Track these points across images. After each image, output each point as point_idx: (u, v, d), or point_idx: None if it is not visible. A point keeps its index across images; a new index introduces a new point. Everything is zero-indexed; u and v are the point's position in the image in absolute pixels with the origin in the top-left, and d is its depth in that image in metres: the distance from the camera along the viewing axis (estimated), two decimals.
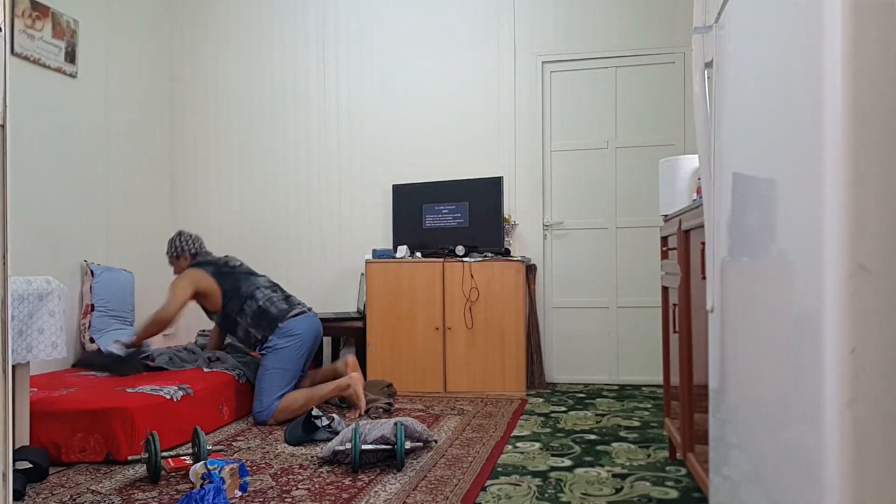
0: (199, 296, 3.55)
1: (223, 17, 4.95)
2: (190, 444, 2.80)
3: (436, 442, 2.93)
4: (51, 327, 2.55)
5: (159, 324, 3.45)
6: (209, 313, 3.68)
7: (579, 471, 2.56)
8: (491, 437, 3.05)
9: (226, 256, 3.72)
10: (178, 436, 2.93)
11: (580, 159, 4.52)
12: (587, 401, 3.91)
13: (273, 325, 3.46)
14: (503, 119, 4.58)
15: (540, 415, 3.55)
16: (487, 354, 4.06)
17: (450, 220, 4.37)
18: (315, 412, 3.06)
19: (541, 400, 3.94)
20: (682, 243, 2.25)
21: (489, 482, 2.42)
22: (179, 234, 3.72)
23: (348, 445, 2.58)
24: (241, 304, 3.50)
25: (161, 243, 4.79)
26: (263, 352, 3.47)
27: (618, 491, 2.33)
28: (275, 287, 3.65)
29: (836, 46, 0.80)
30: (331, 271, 4.80)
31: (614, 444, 2.94)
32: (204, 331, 4.32)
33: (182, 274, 3.57)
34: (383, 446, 2.58)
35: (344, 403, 3.69)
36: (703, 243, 1.70)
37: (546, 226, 4.54)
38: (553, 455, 2.78)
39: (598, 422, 3.38)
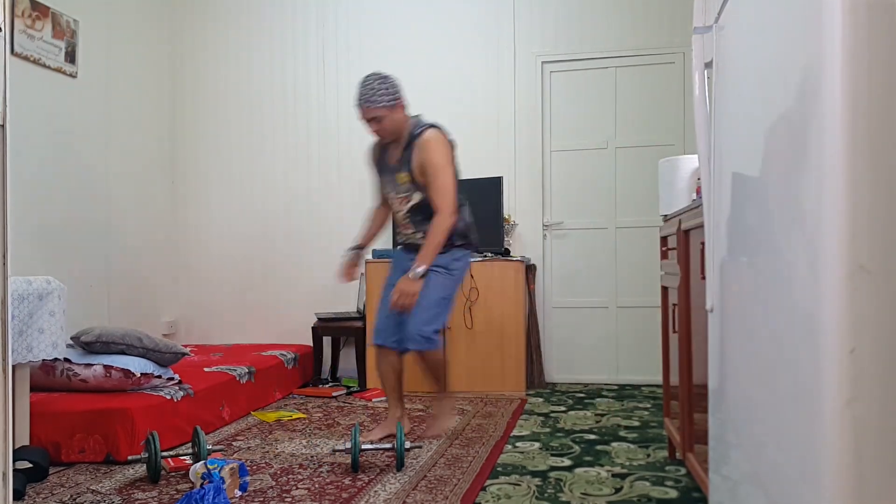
0: None
1: (223, 18, 4.95)
2: (190, 444, 2.80)
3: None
4: (51, 327, 2.55)
5: (448, 224, 2.90)
6: (414, 186, 3.00)
7: (579, 470, 2.56)
8: (491, 437, 3.05)
9: None
10: (178, 436, 2.93)
11: (580, 159, 4.52)
12: (587, 400, 3.91)
13: (474, 241, 3.15)
14: (503, 119, 4.58)
15: (539, 414, 3.55)
16: (487, 354, 4.06)
17: None
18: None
19: (540, 400, 3.94)
20: (682, 243, 2.25)
21: (489, 482, 2.42)
22: (383, 76, 2.97)
23: (348, 444, 2.58)
24: (460, 202, 3.04)
25: (161, 243, 4.80)
26: (451, 269, 2.97)
27: (617, 491, 2.33)
28: None
29: (835, 46, 0.80)
30: (331, 271, 4.79)
31: (614, 444, 2.94)
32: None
33: (429, 138, 2.94)
34: (384, 446, 2.59)
35: None
36: (703, 243, 1.70)
37: (546, 226, 4.54)
38: (553, 455, 2.79)
39: (597, 421, 3.38)
